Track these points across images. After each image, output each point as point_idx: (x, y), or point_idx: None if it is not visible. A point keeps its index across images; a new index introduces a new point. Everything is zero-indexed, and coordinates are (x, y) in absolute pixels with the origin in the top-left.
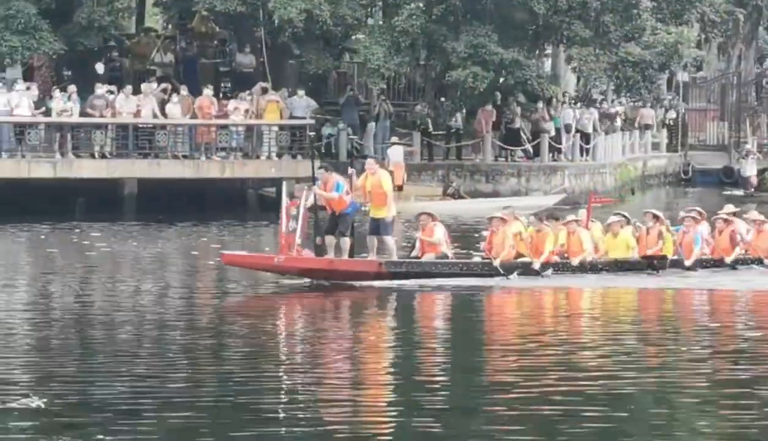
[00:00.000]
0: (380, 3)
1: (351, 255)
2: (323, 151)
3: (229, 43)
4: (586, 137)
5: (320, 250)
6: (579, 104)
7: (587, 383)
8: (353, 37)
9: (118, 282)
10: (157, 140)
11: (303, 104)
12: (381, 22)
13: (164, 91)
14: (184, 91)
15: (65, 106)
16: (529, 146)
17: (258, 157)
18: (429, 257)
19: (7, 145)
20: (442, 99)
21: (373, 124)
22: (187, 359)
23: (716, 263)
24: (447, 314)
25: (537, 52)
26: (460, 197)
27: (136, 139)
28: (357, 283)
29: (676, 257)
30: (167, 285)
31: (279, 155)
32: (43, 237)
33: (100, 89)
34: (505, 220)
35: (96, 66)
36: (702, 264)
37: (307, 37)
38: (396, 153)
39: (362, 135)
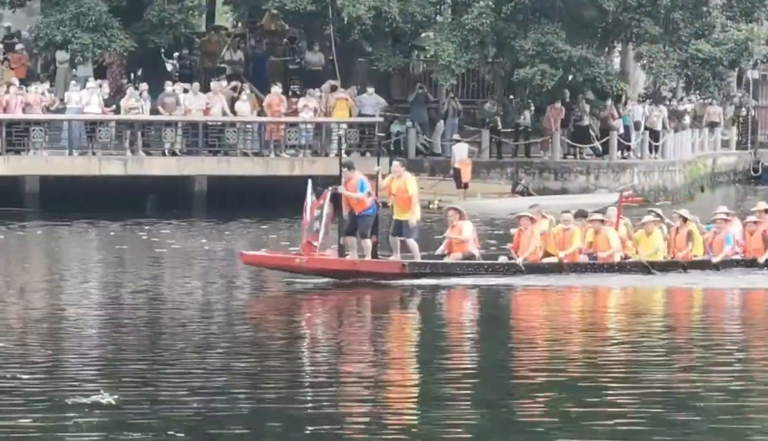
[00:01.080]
0: (449, 0)
1: (374, 255)
2: (392, 148)
3: (299, 41)
4: (655, 135)
5: (342, 250)
6: (648, 101)
7: (612, 378)
8: (422, 35)
9: (187, 278)
10: (227, 138)
11: (372, 102)
12: (450, 20)
13: (234, 89)
14: (247, 89)
15: (135, 103)
16: (597, 144)
17: (327, 154)
18: (456, 256)
19: (78, 143)
20: (511, 97)
21: (442, 122)
22: (255, 356)
23: (748, 263)
24: (474, 312)
25: (606, 49)
26: (529, 195)
27: (206, 137)
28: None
29: (706, 257)
30: (235, 281)
31: (348, 153)
32: (112, 234)
33: (170, 87)
34: (534, 220)
35: (166, 64)
36: (734, 264)
37: (376, 34)
38: (461, 150)
39: (431, 133)
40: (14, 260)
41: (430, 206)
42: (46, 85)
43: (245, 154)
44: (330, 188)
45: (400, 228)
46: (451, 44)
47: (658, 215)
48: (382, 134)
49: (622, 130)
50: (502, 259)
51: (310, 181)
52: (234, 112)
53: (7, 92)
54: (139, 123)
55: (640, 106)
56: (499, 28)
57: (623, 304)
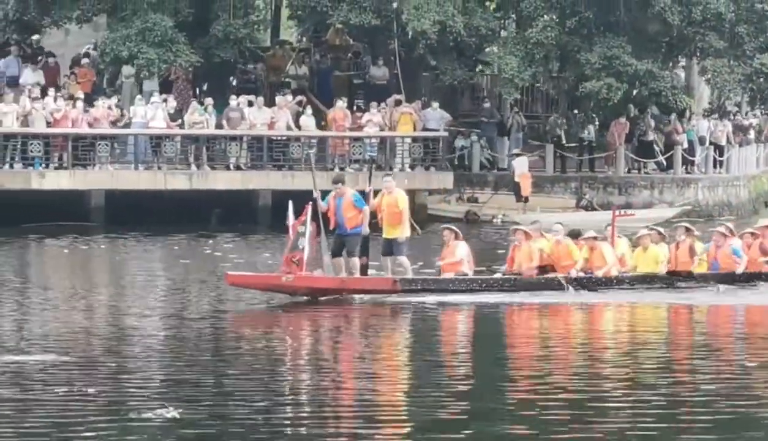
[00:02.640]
0: (513, 15)
1: (364, 274)
2: (456, 163)
3: (363, 56)
4: (719, 149)
5: (331, 270)
6: (713, 116)
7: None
8: (486, 49)
9: (251, 293)
10: (291, 152)
11: (437, 116)
12: (514, 34)
13: (300, 103)
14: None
15: (200, 118)
16: (662, 158)
17: (391, 168)
18: (448, 275)
19: (144, 157)
20: (575, 111)
21: (506, 136)
22: (319, 371)
23: (749, 277)
24: (467, 329)
25: (671, 63)
26: (593, 209)
27: (271, 151)
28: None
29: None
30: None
31: (412, 167)
32: (176, 248)
33: (235, 101)
34: (530, 235)
35: (231, 78)
36: (734, 278)
37: (440, 48)
38: (521, 164)
39: (495, 147)
40: (79, 274)
41: (494, 221)
42: (113, 100)
43: (309, 168)
44: (314, 197)
45: (390, 247)
46: (515, 58)
47: (658, 232)
48: (373, 154)
49: (686, 145)
50: (498, 276)
51: (290, 202)
52: (299, 127)
53: (73, 107)
54: (204, 137)
55: (705, 120)
56: (564, 42)
57: (619, 321)
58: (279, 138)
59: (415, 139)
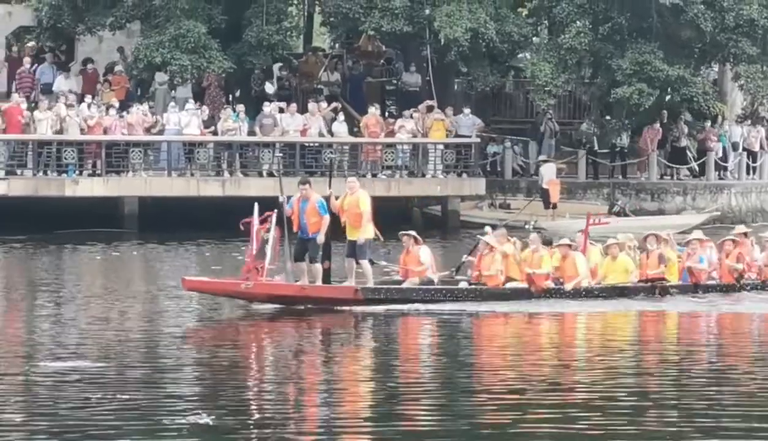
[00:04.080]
0: (546, 21)
1: (326, 281)
2: (488, 169)
3: (396, 62)
4: (753, 156)
5: (292, 277)
6: (746, 122)
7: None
8: (519, 55)
9: None
10: (324, 158)
11: (469, 122)
12: (547, 40)
13: (334, 110)
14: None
15: (233, 124)
16: (694, 164)
17: (423, 175)
18: (412, 281)
19: (177, 164)
20: (608, 117)
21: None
22: (356, 381)
23: (724, 287)
24: (429, 339)
25: (703, 69)
26: (626, 215)
27: (303, 158)
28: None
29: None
30: None
31: (444, 173)
32: (208, 254)
33: (268, 108)
34: (493, 247)
35: (265, 85)
36: (709, 288)
37: (473, 55)
38: (549, 170)
39: (526, 153)
40: (111, 280)
41: (526, 227)
42: (146, 106)
43: (342, 175)
44: (280, 201)
45: (353, 249)
46: (548, 64)
47: (657, 237)
48: (333, 155)
49: (719, 152)
50: (463, 285)
51: (256, 205)
52: (331, 133)
53: (107, 114)
54: (237, 144)
55: (738, 126)
56: (596, 48)
57: (589, 330)
58: (311, 144)
59: (447, 146)
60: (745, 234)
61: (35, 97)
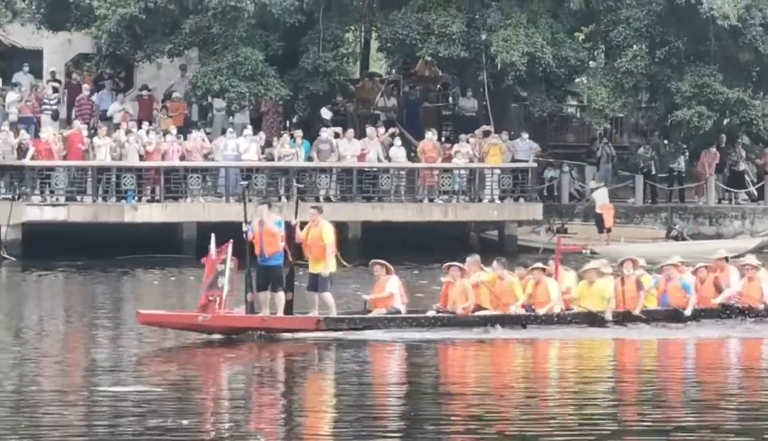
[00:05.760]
0: (602, 45)
1: (288, 312)
2: (545, 194)
3: (452, 87)
4: None
5: (252, 308)
6: None
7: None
8: (576, 80)
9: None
10: (381, 184)
11: (526, 147)
12: (604, 64)
13: (392, 135)
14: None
15: (290, 150)
16: (753, 189)
17: (480, 200)
18: (379, 312)
19: (235, 189)
20: (665, 141)
21: (595, 167)
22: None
23: (702, 313)
24: (393, 368)
25: (762, 92)
26: (683, 239)
27: (360, 183)
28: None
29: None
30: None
31: (501, 198)
32: None
33: (325, 133)
34: (464, 270)
35: (322, 111)
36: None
37: (529, 79)
38: (602, 195)
39: (582, 178)
40: (168, 305)
41: (583, 252)
42: (203, 132)
43: (399, 200)
44: (244, 230)
45: (316, 282)
46: (605, 88)
47: (634, 262)
48: (301, 186)
49: None
50: (431, 313)
51: (213, 236)
52: (388, 158)
53: (164, 140)
54: (294, 169)
55: None
56: (653, 71)
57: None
58: (369, 169)
59: (504, 170)
60: (726, 259)
61: (94, 123)
